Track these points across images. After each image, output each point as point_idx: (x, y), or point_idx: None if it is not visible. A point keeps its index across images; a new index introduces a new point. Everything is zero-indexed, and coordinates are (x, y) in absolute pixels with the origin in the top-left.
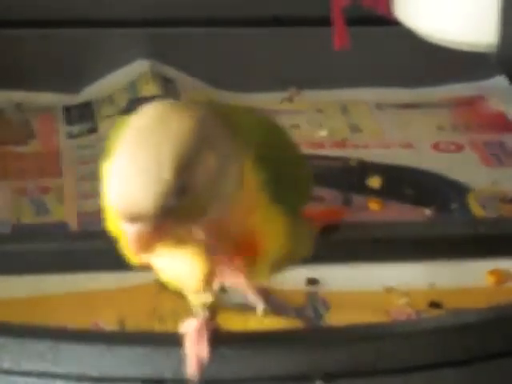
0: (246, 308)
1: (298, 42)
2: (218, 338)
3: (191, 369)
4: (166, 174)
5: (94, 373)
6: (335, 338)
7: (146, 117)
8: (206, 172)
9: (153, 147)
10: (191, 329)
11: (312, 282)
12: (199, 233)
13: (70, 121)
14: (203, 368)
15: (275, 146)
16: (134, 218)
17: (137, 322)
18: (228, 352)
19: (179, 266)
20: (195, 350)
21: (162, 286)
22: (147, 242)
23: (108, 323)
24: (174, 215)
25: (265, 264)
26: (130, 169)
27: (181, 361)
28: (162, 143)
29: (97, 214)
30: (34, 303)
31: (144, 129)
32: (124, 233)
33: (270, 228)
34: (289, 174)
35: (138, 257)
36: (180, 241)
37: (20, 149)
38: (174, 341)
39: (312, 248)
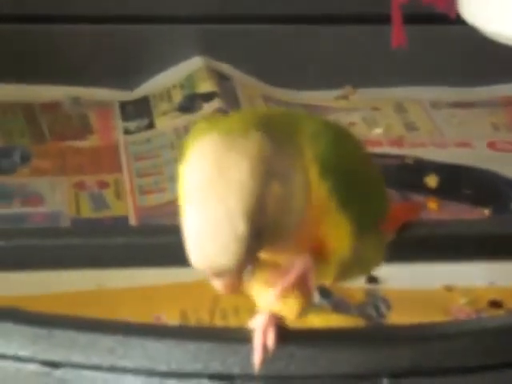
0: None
1: (353, 40)
2: (286, 335)
3: (257, 364)
4: (240, 228)
5: (163, 367)
6: (402, 336)
7: (204, 164)
8: (275, 203)
9: (219, 203)
10: (259, 325)
11: (372, 280)
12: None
13: (126, 116)
14: (269, 364)
15: (342, 152)
16: (217, 274)
17: (198, 317)
18: (295, 349)
19: (272, 301)
20: (262, 346)
21: None
22: (235, 287)
23: (170, 318)
24: (254, 253)
25: (331, 266)
26: (203, 228)
27: (249, 357)
28: (227, 196)
29: (156, 209)
30: (95, 298)
31: (206, 182)
32: (215, 286)
33: (336, 232)
34: (359, 179)
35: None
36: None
37: (79, 144)
38: (242, 336)
39: (383, 258)
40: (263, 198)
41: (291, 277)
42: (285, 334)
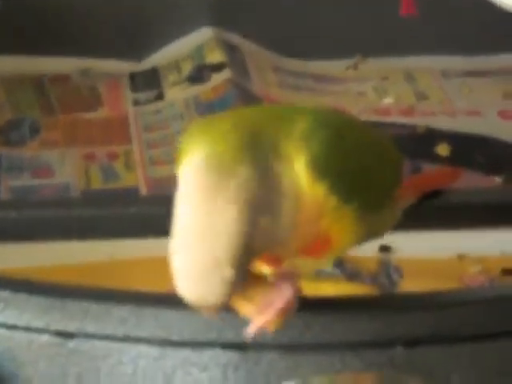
0: (320, 274)
1: (363, 9)
2: (301, 304)
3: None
4: (227, 274)
5: (176, 337)
6: (416, 304)
7: (192, 205)
8: (263, 235)
9: (206, 250)
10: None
11: (385, 248)
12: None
13: (135, 88)
14: (283, 332)
15: (337, 150)
16: (205, 308)
17: None
18: (310, 317)
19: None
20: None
21: None
22: (221, 311)
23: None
24: (242, 276)
25: (335, 254)
26: (190, 272)
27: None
28: (214, 244)
29: (166, 180)
30: (107, 269)
31: (193, 226)
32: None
33: (340, 225)
34: (362, 168)
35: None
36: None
37: (89, 115)
38: None
39: (395, 222)
40: (251, 238)
41: (272, 311)
42: (299, 301)
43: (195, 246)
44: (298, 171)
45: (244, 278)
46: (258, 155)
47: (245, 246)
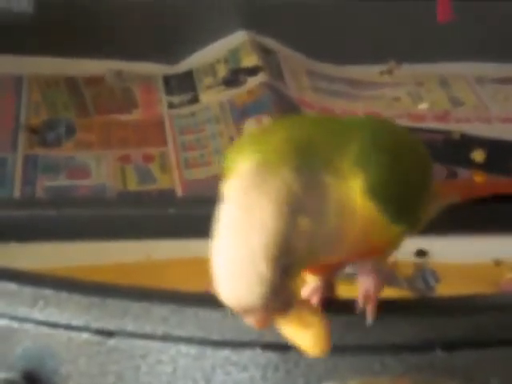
0: (354, 277)
1: (398, 15)
2: (341, 306)
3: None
4: (262, 270)
5: (216, 337)
6: (456, 307)
7: (233, 201)
8: (304, 239)
9: (243, 244)
10: (305, 294)
11: (421, 253)
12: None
13: (169, 90)
14: None
15: (392, 172)
16: (245, 311)
17: None
18: (351, 319)
19: (301, 336)
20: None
21: None
22: (266, 323)
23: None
24: (285, 287)
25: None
26: (229, 268)
27: None
28: (251, 238)
29: (202, 182)
30: (144, 268)
31: (232, 221)
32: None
33: (387, 240)
34: (414, 187)
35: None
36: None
37: (124, 117)
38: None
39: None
40: (289, 238)
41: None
42: (338, 304)
43: (234, 242)
44: (351, 188)
45: (288, 281)
46: (307, 163)
47: (282, 243)
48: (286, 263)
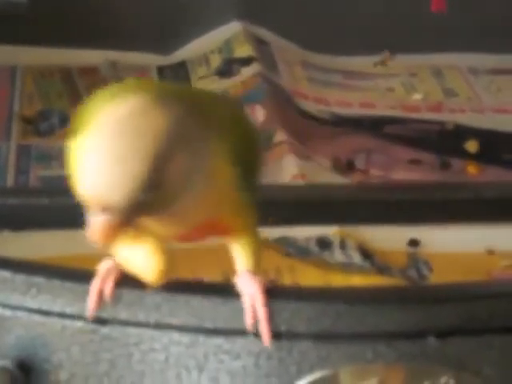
0: (350, 266)
1: (392, 6)
2: (334, 294)
3: (90, 310)
4: (141, 168)
5: (208, 324)
6: (448, 295)
7: (126, 108)
8: (178, 171)
9: (130, 140)
10: (102, 270)
11: (414, 243)
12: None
13: (163, 80)
14: (315, 321)
15: (246, 144)
16: (103, 208)
17: None
18: (342, 307)
19: (137, 259)
20: (98, 292)
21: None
22: (111, 233)
23: (212, 280)
24: (141, 209)
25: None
26: (105, 158)
27: (296, 314)
28: (140, 137)
29: None
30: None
31: (123, 120)
32: (88, 220)
33: (236, 216)
34: (253, 162)
35: (98, 244)
36: (141, 232)
37: None
38: (288, 294)
39: None
40: (170, 158)
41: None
42: (331, 292)
43: (114, 140)
44: (218, 149)
45: (146, 207)
46: (193, 109)
47: (163, 159)
48: (157, 182)
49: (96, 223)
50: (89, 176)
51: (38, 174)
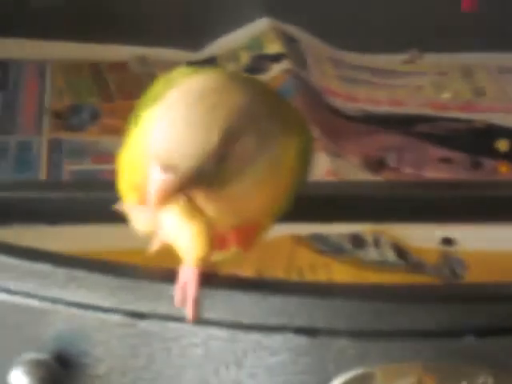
0: (384, 264)
1: (421, 4)
2: (372, 291)
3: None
4: (212, 138)
5: (247, 320)
6: (488, 293)
7: (207, 80)
8: (244, 150)
9: (207, 110)
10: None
11: (447, 241)
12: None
13: None
14: (353, 319)
15: (306, 138)
16: (167, 167)
17: (274, 275)
18: (380, 305)
19: (181, 235)
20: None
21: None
22: (167, 194)
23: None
24: (201, 179)
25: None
26: (182, 121)
27: (334, 311)
28: (217, 110)
29: None
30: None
31: (203, 90)
32: (149, 179)
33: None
34: (308, 162)
35: (153, 206)
36: (193, 211)
37: None
38: (328, 290)
39: None
40: (242, 137)
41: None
42: (370, 289)
43: (193, 107)
44: (286, 145)
45: (208, 178)
46: (265, 97)
47: (237, 134)
48: (225, 156)
49: (156, 181)
50: (161, 134)
51: (69, 168)
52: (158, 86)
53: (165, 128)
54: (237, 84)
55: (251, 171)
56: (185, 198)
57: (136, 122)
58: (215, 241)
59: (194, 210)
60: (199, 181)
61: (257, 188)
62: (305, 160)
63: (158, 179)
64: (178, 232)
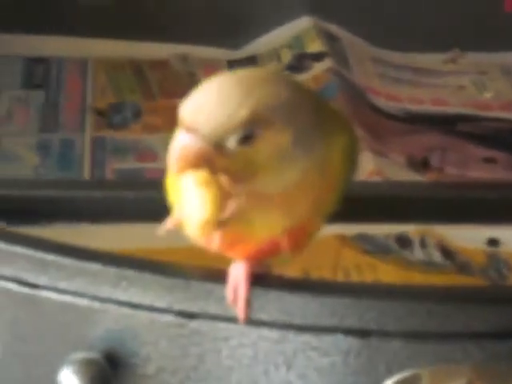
0: (431, 265)
1: (462, 2)
2: (424, 292)
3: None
4: (243, 112)
5: (298, 321)
6: None
7: (250, 70)
8: (281, 144)
9: (245, 89)
10: (232, 280)
11: (492, 242)
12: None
13: None
14: (405, 320)
15: (352, 141)
16: (191, 129)
17: (321, 275)
18: (433, 306)
19: (193, 196)
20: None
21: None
22: (190, 158)
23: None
24: (225, 157)
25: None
26: (215, 92)
27: (386, 312)
28: (255, 91)
29: None
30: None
31: (244, 75)
32: (176, 141)
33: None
34: (354, 164)
35: (176, 169)
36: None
37: None
38: (380, 292)
39: None
40: (274, 125)
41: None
42: (422, 290)
43: (231, 83)
44: (332, 145)
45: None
46: (310, 96)
47: (268, 118)
48: (252, 137)
49: (179, 142)
50: (192, 100)
51: (113, 166)
52: None
53: (196, 96)
54: (280, 78)
55: (292, 170)
56: (208, 170)
57: None
58: (268, 247)
59: (213, 182)
60: (223, 157)
61: (303, 189)
62: (351, 160)
63: (181, 141)
64: (190, 196)
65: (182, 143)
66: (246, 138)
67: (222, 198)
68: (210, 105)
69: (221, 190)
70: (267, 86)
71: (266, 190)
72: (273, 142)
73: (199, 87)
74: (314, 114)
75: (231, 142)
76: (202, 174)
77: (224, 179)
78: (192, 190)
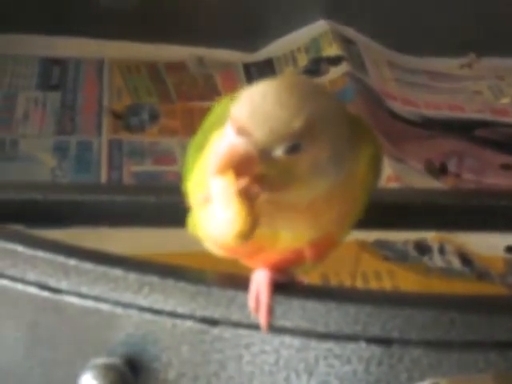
0: (450, 272)
1: (478, 8)
2: (447, 302)
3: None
4: (297, 122)
5: (321, 329)
6: None
7: (298, 77)
8: (320, 157)
9: (300, 96)
10: (253, 286)
11: (511, 249)
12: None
13: (249, 78)
14: (428, 329)
15: (378, 153)
16: (247, 133)
17: (340, 280)
18: (456, 315)
19: (227, 203)
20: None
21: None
22: (235, 160)
23: (311, 281)
24: (269, 168)
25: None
26: (270, 95)
27: (409, 321)
28: (309, 99)
29: None
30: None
31: (297, 80)
32: (224, 141)
33: (350, 223)
34: (378, 175)
35: (215, 170)
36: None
37: (206, 104)
38: (402, 300)
39: None
40: (322, 138)
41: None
42: (445, 299)
43: (286, 89)
44: (359, 156)
45: (278, 168)
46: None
47: (317, 132)
48: (298, 149)
49: (227, 142)
50: (246, 101)
51: (130, 169)
52: (220, 108)
53: (251, 97)
54: (323, 89)
55: (323, 183)
56: (245, 176)
57: (200, 145)
58: (291, 256)
59: (247, 191)
60: (263, 164)
61: (330, 202)
62: (375, 170)
63: (229, 141)
64: (223, 202)
65: (230, 144)
66: (293, 149)
67: (253, 207)
68: (266, 110)
69: (253, 199)
70: (317, 97)
71: (295, 201)
72: (314, 155)
73: (252, 88)
74: (346, 127)
75: (278, 151)
76: (238, 183)
77: (255, 187)
78: (224, 200)
